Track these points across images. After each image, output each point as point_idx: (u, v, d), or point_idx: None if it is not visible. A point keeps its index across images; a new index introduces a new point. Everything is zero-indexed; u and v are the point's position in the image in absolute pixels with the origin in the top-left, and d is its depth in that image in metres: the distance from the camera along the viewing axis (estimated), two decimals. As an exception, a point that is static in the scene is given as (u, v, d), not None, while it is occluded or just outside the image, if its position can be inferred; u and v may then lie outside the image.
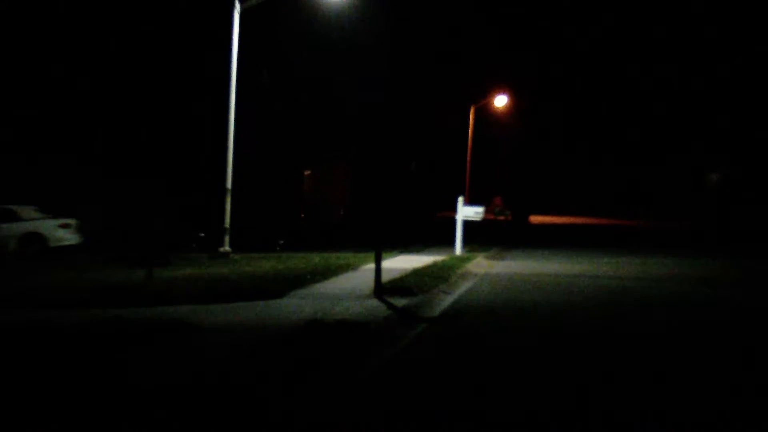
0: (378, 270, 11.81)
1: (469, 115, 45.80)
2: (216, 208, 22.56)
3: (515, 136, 76.31)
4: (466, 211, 21.55)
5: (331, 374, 7.04)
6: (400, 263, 18.24)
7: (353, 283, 13.62)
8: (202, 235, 25.36)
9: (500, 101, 45.57)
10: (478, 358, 7.86)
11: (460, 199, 21.70)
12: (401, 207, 44.60)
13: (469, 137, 45.92)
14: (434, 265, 16.85)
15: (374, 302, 10.96)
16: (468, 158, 45.89)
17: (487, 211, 24.10)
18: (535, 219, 61.04)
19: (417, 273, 14.67)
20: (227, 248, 20.42)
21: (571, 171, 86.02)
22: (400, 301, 11.02)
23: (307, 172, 40.10)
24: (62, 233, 20.72)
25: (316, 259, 18.45)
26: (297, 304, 10.67)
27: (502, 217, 39.99)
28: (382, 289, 11.85)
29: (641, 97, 74.64)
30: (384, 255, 19.81)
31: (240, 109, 22.48)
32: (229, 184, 20.99)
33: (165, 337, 8.14)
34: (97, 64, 26.75)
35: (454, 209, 22.30)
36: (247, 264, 17.35)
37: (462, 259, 18.92)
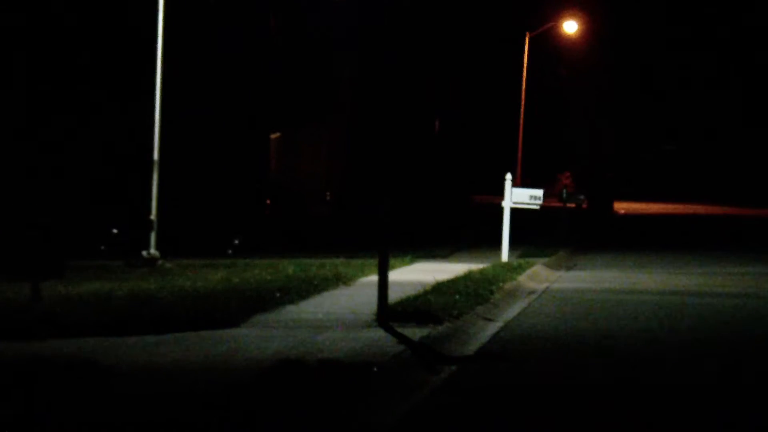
0: (383, 284, 11.80)
1: (522, 49, 45.70)
2: (136, 190, 22.57)
3: (593, 85, 75.99)
4: (519, 196, 21.64)
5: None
6: (416, 274, 18.26)
7: (345, 303, 13.62)
8: (116, 231, 25.38)
9: (570, 27, 45.50)
10: (532, 425, 7.86)
11: (509, 178, 21.74)
12: (419, 189, 44.60)
13: (522, 85, 45.93)
14: (468, 276, 16.89)
15: (377, 333, 11.01)
16: (521, 117, 45.96)
17: (549, 196, 24.12)
18: (621, 207, 61.14)
19: (442, 289, 14.74)
20: (154, 252, 20.49)
21: (676, 137, 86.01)
22: (416, 332, 11.06)
23: (274, 136, 40.08)
24: None
25: (290, 268, 18.47)
26: (260, 337, 10.70)
27: (572, 205, 39.87)
28: (390, 313, 11.88)
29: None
30: (393, 262, 19.69)
31: (177, 41, 22.54)
32: (156, 155, 21.06)
33: (55, 387, 8.12)
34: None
35: (498, 193, 22.37)
36: (183, 275, 17.38)
37: (511, 268, 19.01)
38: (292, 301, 13.53)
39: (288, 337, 10.71)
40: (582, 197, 41.39)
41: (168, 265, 19.84)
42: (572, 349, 11.05)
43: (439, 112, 53.29)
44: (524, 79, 45.61)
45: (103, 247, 24.16)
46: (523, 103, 46.09)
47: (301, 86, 40.56)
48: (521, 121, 44.85)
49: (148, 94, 21.43)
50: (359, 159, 43.12)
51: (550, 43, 60.60)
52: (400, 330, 11.12)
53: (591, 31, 58.70)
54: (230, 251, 24.91)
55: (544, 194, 21.85)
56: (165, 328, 11.12)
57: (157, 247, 20.65)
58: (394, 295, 13.00)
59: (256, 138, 34.75)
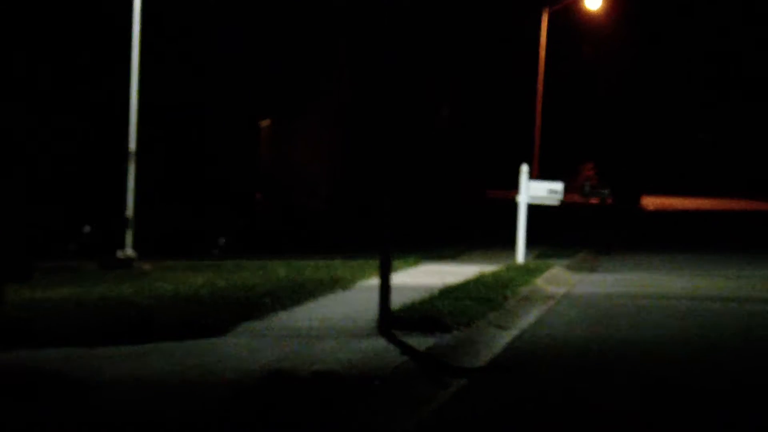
0: (385, 288, 11.84)
1: (539, 26, 45.73)
2: (112, 184, 22.60)
3: (618, 67, 75.88)
4: (536, 190, 21.72)
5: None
6: (422, 277, 18.36)
7: (343, 310, 13.68)
8: (88, 229, 25.43)
9: (593, 3, 45.47)
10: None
11: (525, 170, 21.78)
12: (425, 183, 44.62)
13: (540, 66, 45.95)
14: (480, 279, 16.99)
15: (379, 342, 11.05)
16: (538, 101, 45.93)
17: (570, 190, 24.15)
18: (650, 202, 61.16)
19: (451, 293, 14.82)
20: (130, 252, 20.54)
21: (711, 125, 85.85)
22: (422, 341, 11.11)
23: (264, 124, 40.11)
24: None
25: (281, 270, 18.54)
26: (248, 347, 10.74)
27: (595, 199, 39.92)
28: (393, 320, 11.93)
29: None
30: (397, 263, 19.75)
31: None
32: (133, 144, 21.11)
33: (19, 404, 8.14)
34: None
35: (513, 187, 22.44)
36: (163, 278, 17.44)
37: (527, 271, 19.10)
38: (284, 307, 13.56)
39: (279, 346, 10.74)
40: (606, 191, 41.46)
41: (146, 266, 19.89)
42: (595, 363, 11.06)
43: (448, 97, 53.22)
44: (542, 60, 45.59)
45: (73, 247, 24.19)
46: (540, 86, 46.07)
47: (296, 70, 40.54)
48: (538, 106, 44.83)
49: (122, 76, 21.48)
50: (359, 150, 43.07)
51: (571, 22, 60.55)
52: (404, 339, 11.16)
53: (616, 6, 58.64)
54: (215, 251, 24.95)
55: (564, 188, 21.87)
56: (143, 337, 11.15)
57: (134, 247, 20.70)
58: (397, 300, 13.03)
59: (245, 125, 34.78)
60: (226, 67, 33.23)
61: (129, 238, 20.69)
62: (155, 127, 25.69)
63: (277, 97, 39.85)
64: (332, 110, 42.70)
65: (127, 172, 21.02)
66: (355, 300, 14.72)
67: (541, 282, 17.99)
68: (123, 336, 11.14)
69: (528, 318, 14.17)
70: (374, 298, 12.27)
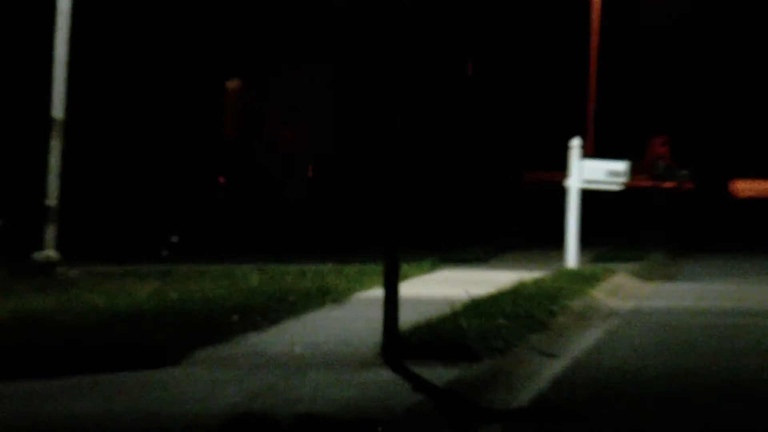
0: (392, 302, 11.86)
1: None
2: (29, 163, 22.55)
3: (697, 13, 76.45)
4: (592, 171, 21.86)
5: None
6: (440, 286, 18.45)
7: (336, 331, 13.77)
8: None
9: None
10: None
11: (576, 146, 21.85)
12: (445, 163, 44.72)
13: (594, 13, 46.01)
14: (518, 290, 17.06)
15: (384, 374, 11.09)
16: (592, 56, 45.88)
17: (637, 171, 24.25)
18: (743, 187, 61.13)
19: (480, 309, 14.85)
20: (52, 254, 20.57)
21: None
22: (441, 373, 11.10)
23: (232, 85, 40.21)
24: None
25: (253, 278, 18.69)
26: (208, 381, 10.77)
27: (671, 183, 39.93)
28: (403, 344, 11.97)
29: None
30: (407, 269, 19.90)
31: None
32: (58, 111, 21.05)
33: None
34: None
35: (560, 167, 22.61)
36: (95, 289, 17.47)
37: (581, 278, 19.18)
38: (256, 327, 13.65)
39: (250, 380, 10.76)
40: (685, 172, 41.50)
41: (72, 273, 20.03)
42: (673, 405, 10.92)
43: (475, 52, 53.48)
44: (596, 9, 45.66)
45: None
46: (595, 35, 46.09)
47: (275, 11, 40.77)
48: (593, 62, 44.81)
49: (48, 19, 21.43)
50: (355, 120, 43.23)
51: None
52: (417, 370, 11.17)
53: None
54: (165, 253, 25.04)
55: (630, 168, 21.95)
56: (64, 368, 11.14)
57: (58, 247, 20.69)
58: (408, 318, 13.08)
59: (205, 87, 34.86)
60: (181, 11, 33.30)
61: (51, 234, 20.67)
62: (89, 89, 25.77)
63: (250, 50, 40.00)
64: (321, 69, 42.87)
65: (49, 147, 20.93)
66: (352, 317, 14.81)
67: (600, 294, 18.07)
68: (36, 367, 11.13)
69: (583, 342, 14.24)
70: (377, 315, 12.25)
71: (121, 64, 31.30)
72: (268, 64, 41.50)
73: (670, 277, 22.40)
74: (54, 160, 20.96)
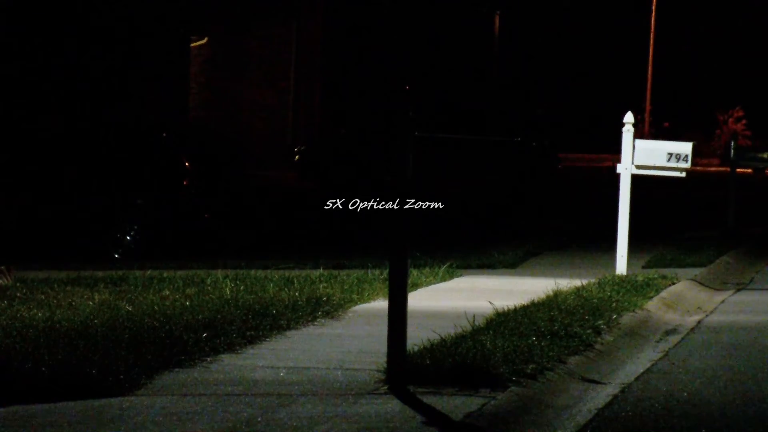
0: (400, 315, 11.87)
1: None
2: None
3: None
4: (648, 154, 21.91)
5: None
6: (458, 297, 18.53)
7: (329, 350, 13.85)
8: None
9: None
10: None
11: (630, 122, 21.88)
12: (463, 141, 44.80)
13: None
14: (554, 302, 17.13)
15: (389, 405, 11.14)
16: (653, 15, 45.99)
17: (701, 154, 24.28)
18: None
19: (506, 325, 14.94)
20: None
21: None
22: (458, 404, 11.15)
23: (198, 43, 40.33)
24: None
25: (227, 286, 18.76)
26: (173, 413, 10.81)
27: (747, 169, 39.71)
28: (412, 368, 12.00)
29: None
30: (418, 275, 20.14)
31: None
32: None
33: None
34: None
35: (609, 149, 22.46)
36: (31, 298, 17.59)
37: (633, 287, 19.24)
38: (231, 348, 13.73)
39: (223, 413, 10.82)
40: (766, 155, 41.31)
41: (5, 280, 19.86)
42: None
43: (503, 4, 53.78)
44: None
45: None
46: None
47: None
48: (652, 22, 44.92)
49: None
50: (351, 86, 43.36)
51: None
52: (428, 401, 11.24)
53: None
54: (117, 255, 24.97)
55: (694, 151, 21.92)
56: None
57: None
58: (419, 336, 13.23)
59: (167, 45, 34.96)
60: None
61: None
62: (24, 45, 25.84)
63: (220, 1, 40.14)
64: (310, 21, 42.98)
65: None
66: (350, 335, 14.87)
67: (655, 306, 18.09)
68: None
69: (634, 366, 14.26)
70: (380, 332, 12.42)
71: (51, 18, 31.33)
72: (242, 15, 41.68)
73: (742, 286, 22.40)
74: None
